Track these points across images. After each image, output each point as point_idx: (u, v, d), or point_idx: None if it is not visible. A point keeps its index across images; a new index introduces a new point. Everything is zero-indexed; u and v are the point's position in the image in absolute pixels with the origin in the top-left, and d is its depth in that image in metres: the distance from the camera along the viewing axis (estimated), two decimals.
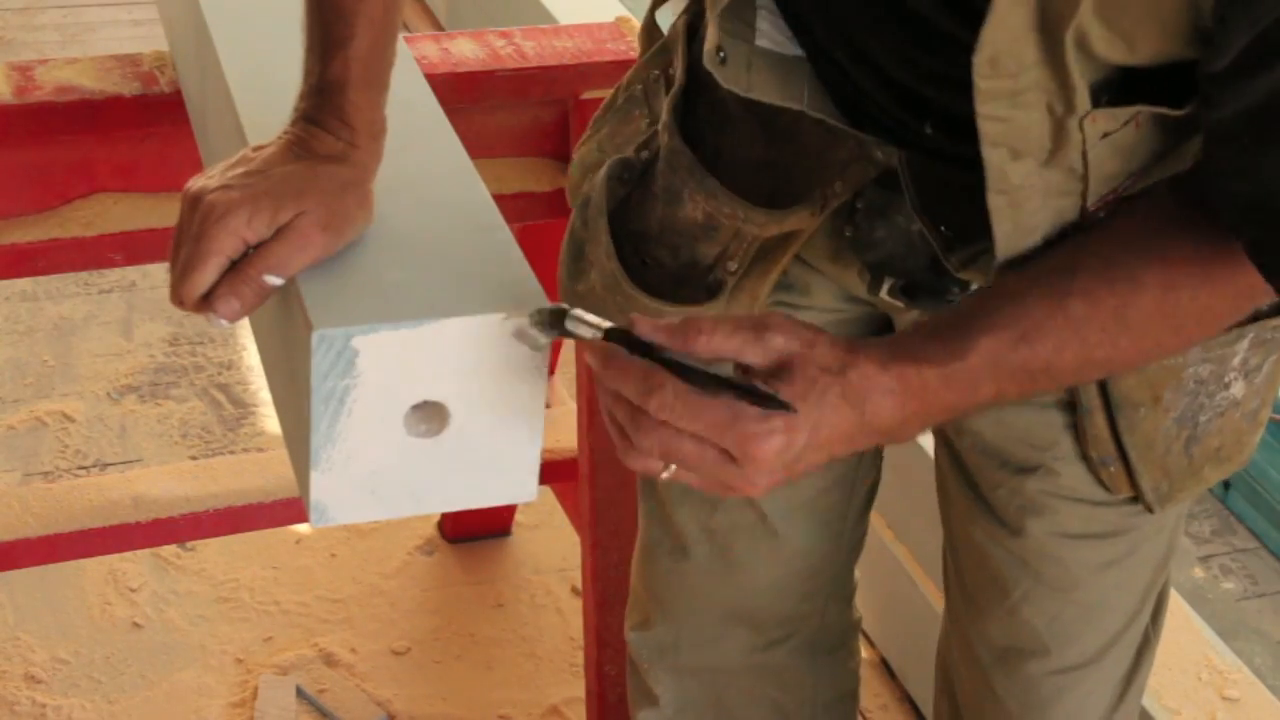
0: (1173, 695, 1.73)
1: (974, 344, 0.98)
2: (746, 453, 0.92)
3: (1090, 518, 1.26)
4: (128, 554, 2.28)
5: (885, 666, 2.24)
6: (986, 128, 1.00)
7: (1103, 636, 1.32)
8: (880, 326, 1.29)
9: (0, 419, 2.61)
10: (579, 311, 0.96)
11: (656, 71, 1.27)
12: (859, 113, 1.13)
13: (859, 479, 1.43)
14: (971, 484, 1.30)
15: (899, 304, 1.20)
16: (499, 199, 1.14)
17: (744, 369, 0.95)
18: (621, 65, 1.65)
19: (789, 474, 0.95)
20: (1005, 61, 0.96)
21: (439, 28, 3.91)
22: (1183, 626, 1.81)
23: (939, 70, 1.03)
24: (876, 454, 1.43)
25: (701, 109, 1.20)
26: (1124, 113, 0.99)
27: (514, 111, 1.68)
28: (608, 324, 0.94)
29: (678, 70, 1.24)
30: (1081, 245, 1.02)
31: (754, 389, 0.91)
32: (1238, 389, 1.21)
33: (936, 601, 2.03)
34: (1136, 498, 1.24)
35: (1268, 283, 0.96)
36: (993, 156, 1.01)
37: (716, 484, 0.95)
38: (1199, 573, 2.75)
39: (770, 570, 1.43)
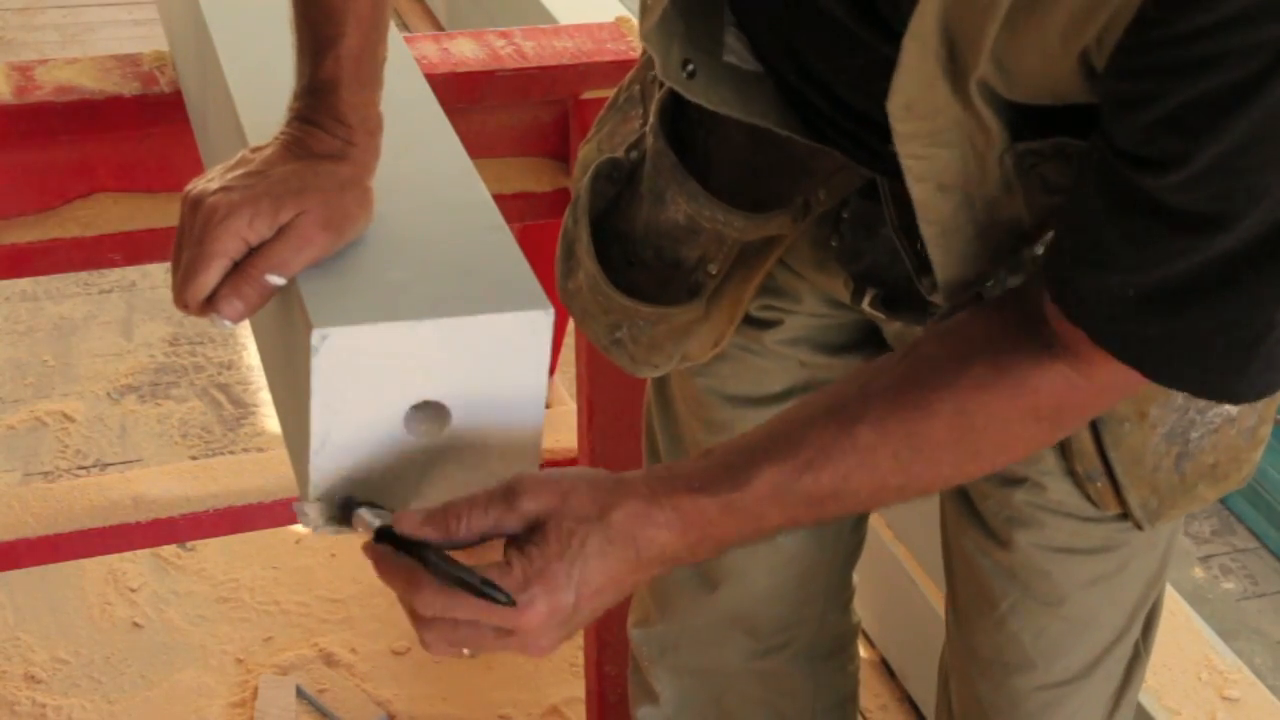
0: (1173, 695, 1.73)
1: (757, 473, 0.97)
2: (517, 626, 0.93)
3: (1078, 532, 1.25)
4: (128, 554, 2.28)
5: (885, 666, 2.24)
6: (909, 164, 0.99)
7: (1091, 653, 1.31)
8: (869, 332, 1.29)
9: (0, 419, 2.61)
10: (363, 510, 0.99)
11: (654, 72, 1.27)
12: (824, 129, 1.12)
13: None
14: (963, 493, 1.29)
15: (880, 315, 1.20)
16: (499, 199, 1.13)
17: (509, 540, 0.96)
18: (621, 65, 1.65)
19: (572, 628, 0.96)
20: (920, 106, 0.95)
21: (439, 28, 3.91)
22: (1183, 626, 1.80)
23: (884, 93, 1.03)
24: None
25: (693, 111, 1.20)
26: (1046, 145, 0.98)
27: (514, 111, 1.68)
28: (378, 524, 0.97)
29: None
30: (880, 369, 1.02)
31: (476, 586, 0.92)
32: (1232, 405, 1.19)
33: (936, 601, 2.03)
34: (1125, 514, 1.23)
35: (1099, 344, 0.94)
36: (919, 190, 1.00)
37: (509, 651, 0.96)
38: (1199, 573, 2.75)
39: (767, 577, 1.43)
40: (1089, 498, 1.22)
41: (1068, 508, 1.24)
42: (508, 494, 0.95)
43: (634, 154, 1.26)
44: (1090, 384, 0.97)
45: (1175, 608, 1.80)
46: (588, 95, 1.64)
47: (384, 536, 0.96)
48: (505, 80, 1.63)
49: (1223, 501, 2.94)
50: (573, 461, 1.92)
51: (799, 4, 1.02)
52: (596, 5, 2.83)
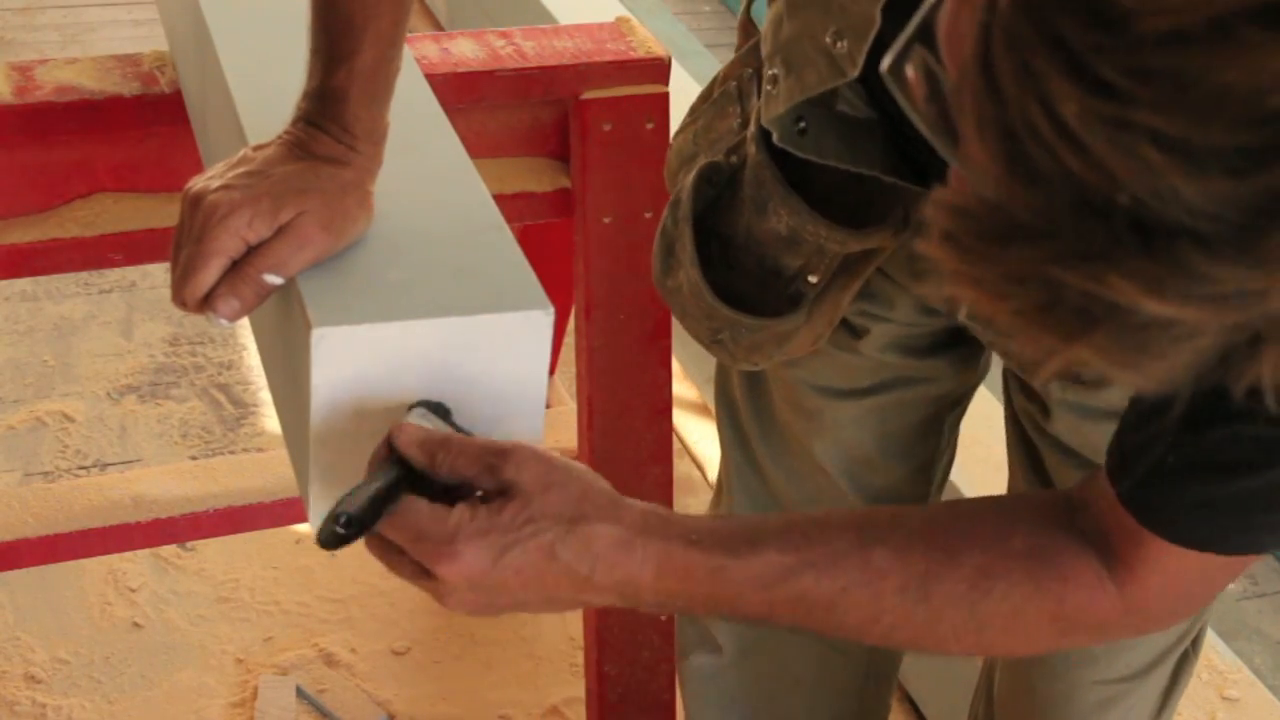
0: None
1: (760, 551, 0.94)
2: (434, 570, 0.92)
3: None
4: (128, 554, 2.28)
5: None
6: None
7: (1153, 652, 1.31)
8: (959, 335, 1.29)
9: (0, 419, 2.61)
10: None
11: (750, 70, 1.25)
12: (931, 168, 1.11)
13: (939, 464, 1.42)
14: (1046, 480, 1.28)
15: (978, 325, 1.19)
16: (499, 199, 1.13)
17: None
18: (621, 65, 1.65)
19: (493, 603, 0.94)
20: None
21: (439, 28, 3.91)
22: None
23: None
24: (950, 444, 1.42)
25: None
26: None
27: (514, 111, 1.68)
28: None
29: None
30: (920, 507, 0.99)
31: (381, 494, 0.93)
32: None
33: None
34: None
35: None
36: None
37: (424, 591, 0.96)
38: None
39: None
40: None
41: None
42: (501, 454, 0.94)
43: (734, 158, 1.24)
44: (1120, 599, 0.95)
45: None
46: (588, 95, 1.64)
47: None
48: (505, 80, 1.63)
49: None
50: None
51: None
52: (596, 5, 2.83)
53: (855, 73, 1.06)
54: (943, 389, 1.35)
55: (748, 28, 1.29)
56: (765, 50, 1.16)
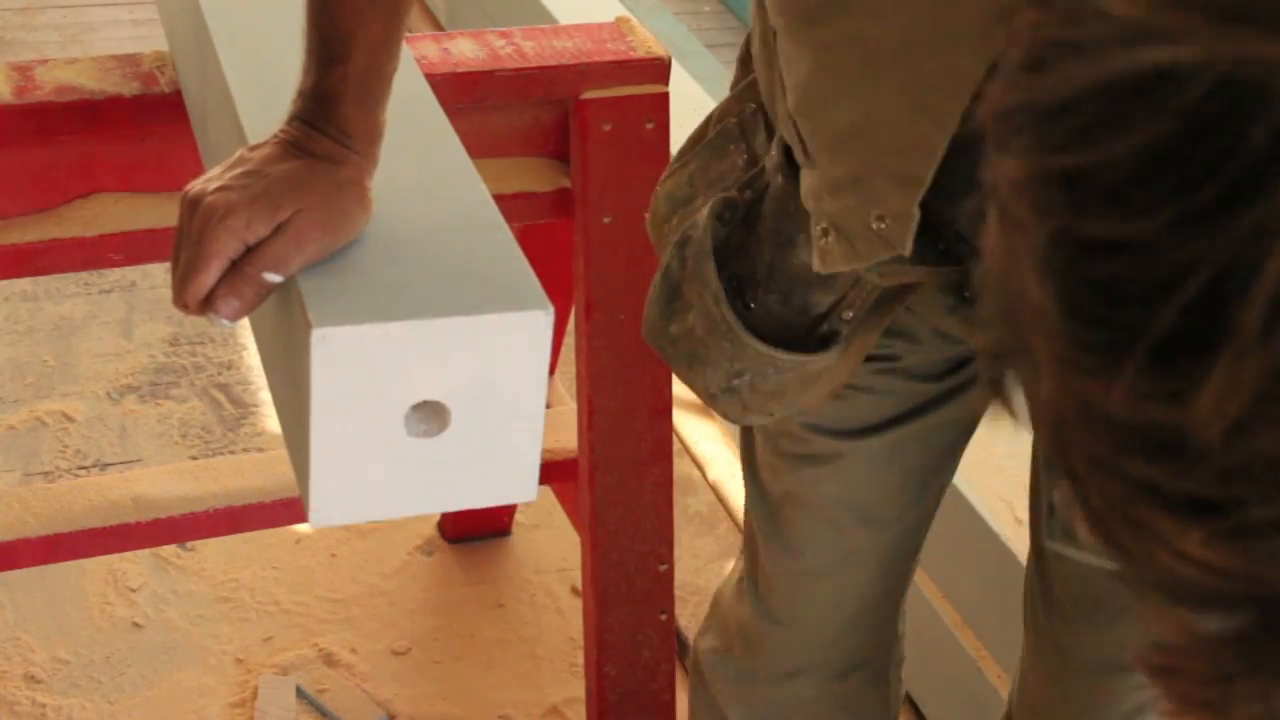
0: None
1: None
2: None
3: None
4: (128, 554, 2.28)
5: None
6: None
7: None
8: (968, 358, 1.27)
9: (0, 419, 2.61)
10: None
11: (753, 105, 1.22)
12: (957, 253, 1.10)
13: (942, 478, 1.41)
14: None
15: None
16: (499, 199, 1.13)
17: None
18: (622, 65, 1.65)
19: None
20: None
21: (439, 28, 3.91)
22: None
23: None
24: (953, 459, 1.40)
25: None
26: None
27: (514, 111, 1.68)
28: None
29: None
30: None
31: None
32: None
33: (938, 603, 2.03)
34: None
35: None
36: None
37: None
38: None
39: (835, 611, 1.43)
40: None
41: None
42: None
43: (749, 193, 1.20)
44: None
45: None
46: (588, 95, 1.64)
47: None
48: (505, 80, 1.63)
49: None
50: (573, 461, 1.92)
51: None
52: (596, 5, 2.83)
53: (907, 251, 1.06)
54: (960, 414, 1.33)
55: (746, 62, 1.25)
56: (810, 206, 1.12)
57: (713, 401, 1.25)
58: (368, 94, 1.08)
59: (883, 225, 1.06)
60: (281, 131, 1.08)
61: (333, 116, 1.07)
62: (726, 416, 1.29)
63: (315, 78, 1.07)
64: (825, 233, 1.10)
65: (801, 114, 1.10)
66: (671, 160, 1.30)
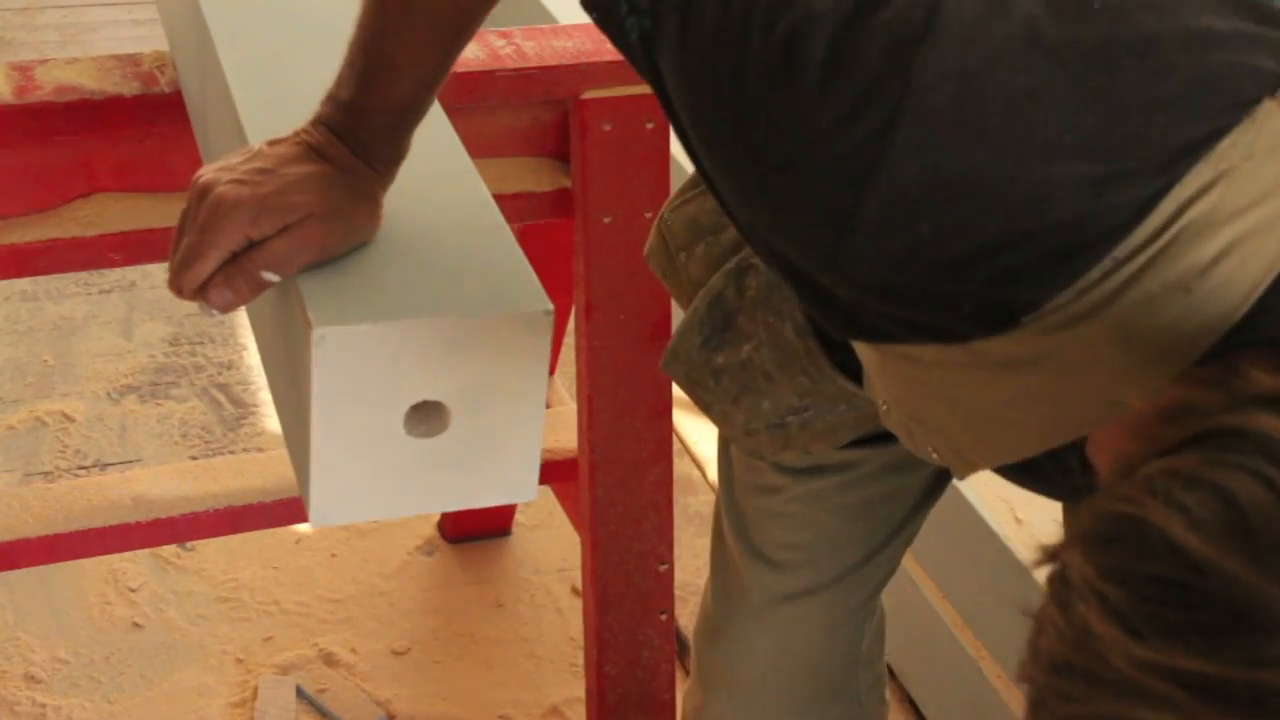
0: None
1: None
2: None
3: None
4: (128, 554, 2.28)
5: (887, 667, 2.23)
6: None
7: None
8: None
9: (0, 419, 2.61)
10: None
11: None
12: None
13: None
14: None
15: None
16: (499, 199, 1.13)
17: None
18: (622, 65, 1.64)
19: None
20: None
21: None
22: None
23: None
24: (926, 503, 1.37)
25: None
26: None
27: (514, 111, 1.68)
28: None
29: None
30: None
31: None
32: None
33: (938, 604, 2.03)
34: None
35: None
36: None
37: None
38: None
39: (787, 682, 1.44)
40: None
41: None
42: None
43: None
44: None
45: None
46: (588, 95, 1.64)
47: None
48: (505, 80, 1.62)
49: None
50: (573, 461, 1.92)
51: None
52: None
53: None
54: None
55: None
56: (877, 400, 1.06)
57: (748, 437, 1.21)
58: (402, 124, 1.08)
59: (934, 456, 1.00)
60: (304, 132, 1.07)
61: (361, 135, 1.06)
62: (755, 451, 1.24)
63: (353, 94, 1.06)
64: (888, 411, 1.03)
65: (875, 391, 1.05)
66: (684, 185, 1.25)
